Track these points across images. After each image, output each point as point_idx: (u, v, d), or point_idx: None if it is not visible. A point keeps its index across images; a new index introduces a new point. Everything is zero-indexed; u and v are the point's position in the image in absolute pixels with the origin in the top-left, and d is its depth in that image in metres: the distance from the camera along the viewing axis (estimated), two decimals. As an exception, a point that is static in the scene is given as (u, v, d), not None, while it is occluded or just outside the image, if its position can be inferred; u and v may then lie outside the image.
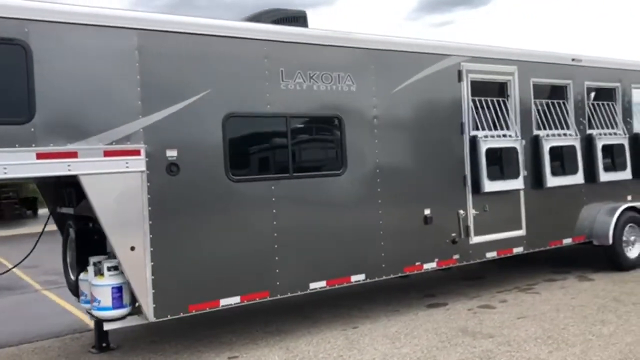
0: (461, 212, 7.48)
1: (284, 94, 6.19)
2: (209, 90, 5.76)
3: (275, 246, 6.10)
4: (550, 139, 8.32)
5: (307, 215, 6.32)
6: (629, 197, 9.40)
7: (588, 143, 8.89)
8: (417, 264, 7.12)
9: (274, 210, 6.10)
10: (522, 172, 7.97)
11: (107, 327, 5.63)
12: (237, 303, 5.90)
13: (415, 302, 7.67)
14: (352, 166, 6.63)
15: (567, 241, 8.62)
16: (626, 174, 9.22)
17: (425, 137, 7.24)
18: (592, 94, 9.26)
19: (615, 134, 9.22)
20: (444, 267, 7.40)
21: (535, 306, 7.12)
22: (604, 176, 8.92)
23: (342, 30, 6.84)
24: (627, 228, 8.99)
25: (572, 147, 8.56)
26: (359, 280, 6.67)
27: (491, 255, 7.77)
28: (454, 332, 6.20)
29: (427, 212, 7.19)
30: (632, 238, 9.06)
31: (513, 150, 7.87)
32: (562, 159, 8.49)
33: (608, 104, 9.30)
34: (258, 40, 6.08)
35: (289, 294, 6.22)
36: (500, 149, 7.76)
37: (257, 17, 6.95)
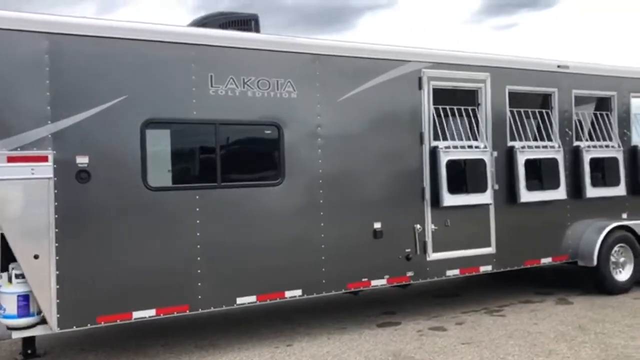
0: (418, 226, 7.06)
1: (213, 100, 5.96)
2: (126, 96, 5.59)
3: (198, 258, 5.87)
4: (527, 151, 7.78)
5: (237, 226, 6.06)
6: (624, 215, 8.72)
7: (574, 156, 8.29)
8: (364, 280, 6.75)
9: (198, 221, 5.88)
10: (491, 186, 7.48)
11: (14, 335, 5.53)
12: (152, 316, 5.70)
13: (369, 319, 7.30)
14: (290, 176, 6.34)
15: (547, 260, 8.04)
16: (619, 190, 8.54)
17: (378, 147, 6.86)
18: (590, 104, 8.65)
19: (608, 146, 8.55)
20: (395, 284, 7.00)
21: (490, 331, 6.63)
22: (592, 192, 8.28)
23: (285, 35, 6.58)
24: (616, 248, 8.33)
25: (553, 160, 7.98)
26: (294, 296, 6.37)
27: (453, 273, 7.31)
28: (385, 356, 5.82)
29: (377, 225, 6.81)
30: (622, 259, 8.39)
31: (479, 162, 7.39)
32: (541, 173, 7.93)
33: (602, 115, 8.65)
34: (184, 45, 5.87)
35: (213, 309, 5.98)
36: (464, 161, 7.30)
37: (203, 21, 6.77)
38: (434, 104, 7.24)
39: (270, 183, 6.26)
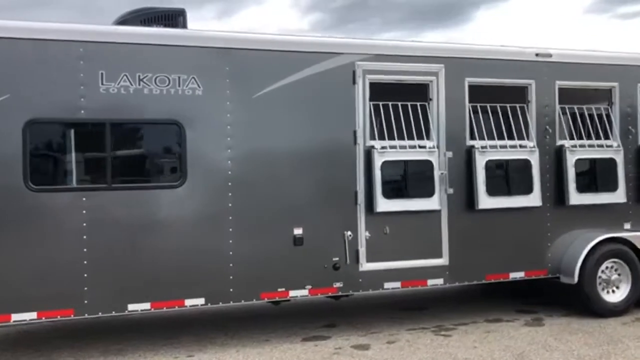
0: (348, 233, 6.46)
1: (104, 99, 5.74)
2: (7, 96, 5.51)
3: (85, 262, 5.69)
4: (489, 152, 6.90)
5: (130, 230, 5.82)
6: (627, 226, 7.54)
7: (557, 157, 7.26)
8: (281, 290, 6.27)
9: (85, 224, 5.69)
10: (441, 190, 6.71)
11: None
12: (33, 319, 5.60)
13: (301, 331, 6.78)
14: (193, 177, 5.99)
15: (518, 275, 7.11)
16: (617, 197, 7.38)
17: (302, 147, 6.35)
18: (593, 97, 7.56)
19: (605, 145, 7.41)
20: (320, 295, 6.46)
21: (415, 353, 5.92)
22: (577, 198, 7.21)
23: (188, 28, 6.24)
24: (607, 264, 7.21)
25: (525, 162, 7.03)
26: (196, 305, 6.03)
27: (392, 286, 6.64)
28: (269, 375, 5.35)
29: (297, 232, 6.30)
30: (614, 277, 7.24)
31: (425, 163, 6.64)
32: (508, 176, 7.02)
33: (599, 109, 7.52)
34: (71, 42, 5.70)
35: (101, 314, 5.79)
36: (404, 163, 6.59)
37: (126, 18, 6.58)
38: (374, 99, 6.61)
39: (169, 185, 5.96)
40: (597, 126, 7.47)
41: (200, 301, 6.02)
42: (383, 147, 6.52)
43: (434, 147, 6.69)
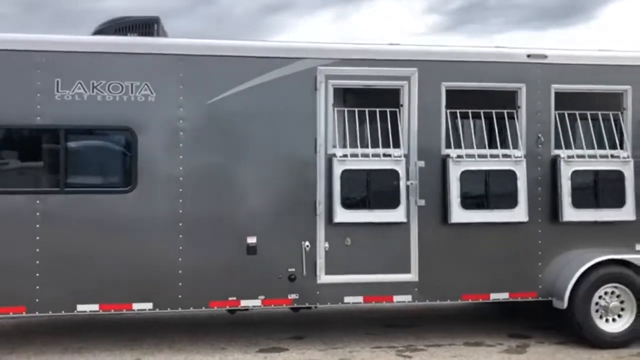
0: (306, 244, 6.25)
1: (59, 105, 5.96)
2: (-31, 103, 5.88)
3: (37, 262, 5.92)
4: (466, 162, 6.39)
5: (81, 232, 5.98)
6: (639, 247, 6.70)
7: (551, 168, 6.59)
8: (232, 299, 6.18)
9: (38, 225, 5.93)
10: (411, 202, 6.32)
11: None
12: (-14, 314, 5.92)
13: (263, 342, 6.62)
14: (144, 183, 6.07)
15: (501, 296, 6.53)
16: (623, 214, 6.57)
17: (258, 154, 6.23)
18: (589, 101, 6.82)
19: (610, 156, 6.63)
20: (274, 306, 6.29)
21: (356, 373, 5.62)
22: (573, 214, 6.50)
23: (141, 37, 6.32)
24: (604, 289, 6.44)
25: (508, 173, 6.44)
26: (143, 309, 6.09)
27: (353, 300, 6.33)
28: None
29: (250, 240, 6.19)
30: (614, 304, 6.43)
31: (390, 173, 6.28)
32: (487, 188, 6.47)
33: (606, 115, 6.74)
34: (27, 52, 5.97)
35: (51, 313, 6.01)
36: (367, 172, 6.27)
37: (101, 28, 6.81)
38: (341, 105, 6.38)
39: (120, 190, 6.07)
40: (602, 134, 6.69)
41: (148, 306, 6.07)
42: (344, 155, 6.24)
43: (400, 156, 6.30)
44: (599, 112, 6.73)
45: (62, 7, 29.44)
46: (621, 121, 6.74)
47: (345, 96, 6.86)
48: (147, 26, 6.80)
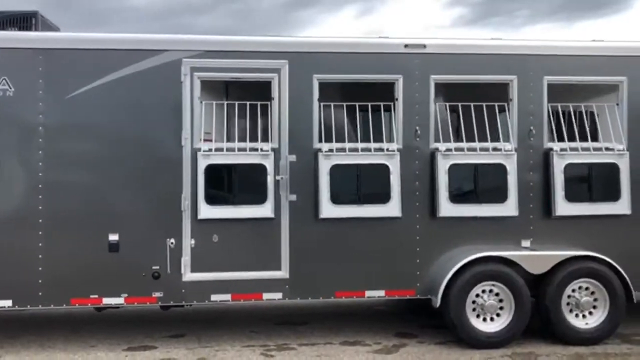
0: (170, 241, 6.12)
1: None
2: None
3: None
4: (337, 155, 6.21)
5: (-63, 229, 5.92)
6: (526, 243, 6.46)
7: (431, 161, 6.39)
8: (93, 296, 6.07)
9: None
10: (279, 197, 6.16)
11: None
12: None
13: (136, 340, 6.50)
14: (3, 179, 5.95)
15: (376, 294, 6.34)
16: (505, 209, 6.34)
17: (120, 149, 6.10)
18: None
19: (494, 149, 6.39)
20: (137, 304, 6.17)
21: (205, 373, 5.48)
22: (449, 209, 6.30)
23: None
24: (482, 287, 6.22)
25: (382, 167, 6.24)
26: (4, 307, 6.00)
27: (221, 298, 6.19)
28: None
29: (112, 237, 6.07)
30: (490, 302, 6.21)
31: (257, 167, 6.12)
32: (359, 182, 6.28)
33: (493, 107, 6.50)
34: None
35: None
36: (233, 166, 6.12)
37: (-22, 21, 6.72)
38: (219, 99, 6.25)
39: (-22, 186, 5.98)
40: (486, 127, 6.46)
41: (7, 303, 5.98)
42: (209, 150, 6.09)
43: (269, 150, 6.14)
44: (484, 104, 6.51)
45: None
46: (507, 112, 6.51)
47: (228, 90, 6.78)
48: (25, 20, 6.68)
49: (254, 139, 6.16)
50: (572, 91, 6.68)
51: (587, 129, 6.53)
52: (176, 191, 6.12)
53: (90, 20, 30.27)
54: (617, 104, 6.57)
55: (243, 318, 7.50)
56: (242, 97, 6.41)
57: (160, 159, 6.14)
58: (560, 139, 6.55)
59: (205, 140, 6.24)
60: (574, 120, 6.62)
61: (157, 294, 6.12)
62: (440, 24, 35.66)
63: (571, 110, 6.60)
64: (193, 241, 6.14)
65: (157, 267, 6.10)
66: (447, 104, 6.53)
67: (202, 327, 7.02)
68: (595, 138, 6.63)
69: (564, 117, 6.72)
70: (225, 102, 6.27)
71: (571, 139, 6.50)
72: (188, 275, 6.13)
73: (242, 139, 6.29)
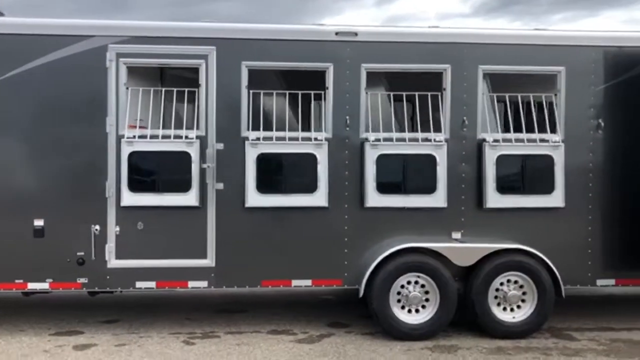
0: (95, 227, 6.12)
1: None
2: None
3: None
4: (264, 144, 6.16)
5: None
6: (456, 235, 6.40)
7: (360, 152, 6.31)
8: (18, 281, 6.11)
9: None
10: (205, 186, 6.13)
11: None
12: None
13: (68, 326, 6.56)
14: None
15: (302, 283, 6.32)
16: (434, 200, 6.27)
17: (45, 134, 6.09)
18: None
19: (424, 140, 6.30)
20: (62, 289, 6.20)
21: (109, 356, 5.50)
22: (377, 200, 6.24)
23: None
24: (407, 278, 6.17)
25: (309, 157, 6.19)
26: (-63, 291, 6.07)
27: (146, 285, 6.20)
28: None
29: (38, 223, 6.08)
30: (414, 294, 6.16)
31: (182, 155, 6.09)
32: (286, 171, 6.26)
33: (425, 97, 6.40)
34: None
35: None
36: (156, 154, 6.11)
37: None
38: (147, 85, 6.24)
39: None
40: (416, 117, 6.39)
41: (-58, 288, 6.05)
42: (132, 137, 6.07)
43: (194, 138, 6.10)
44: (416, 93, 6.42)
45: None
46: (439, 102, 6.40)
47: (164, 76, 6.75)
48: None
49: (183, 126, 6.11)
50: (523, 82, 6.57)
51: (522, 120, 6.41)
52: (101, 178, 6.11)
53: (115, 5, 30.39)
54: (556, 94, 6.44)
55: (184, 305, 7.52)
56: (179, 83, 6.38)
57: (85, 145, 6.12)
58: (507, 129, 6.49)
59: (141, 127, 6.24)
60: (522, 111, 6.48)
61: (82, 280, 6.15)
62: (461, 12, 35.10)
63: (519, 100, 6.46)
64: (118, 228, 6.14)
65: (82, 254, 6.12)
66: (387, 93, 6.44)
67: (139, 313, 7.05)
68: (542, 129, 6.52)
69: (511, 108, 6.64)
70: (153, 89, 6.22)
71: (518, 129, 6.39)
72: (113, 262, 6.14)
73: (178, 126, 6.26)
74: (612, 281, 6.50)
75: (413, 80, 6.47)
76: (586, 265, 6.45)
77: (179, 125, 6.21)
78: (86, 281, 6.15)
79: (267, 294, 7.93)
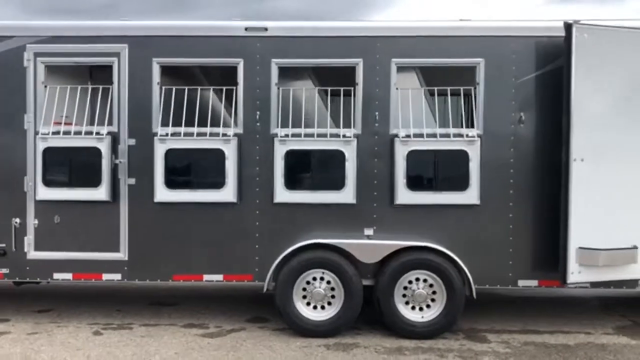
0: (16, 220, 6.39)
1: None
2: None
3: None
4: (172, 140, 6.23)
5: None
6: (369, 232, 6.29)
7: (271, 147, 6.29)
8: (-54, 271, 6.46)
9: None
10: (116, 181, 6.29)
11: None
12: None
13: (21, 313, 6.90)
14: None
15: (214, 278, 6.36)
16: (342, 196, 6.19)
17: (-32, 131, 6.41)
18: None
19: (331, 135, 6.23)
20: (-14, 279, 6.50)
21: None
22: (285, 196, 6.21)
23: None
24: (309, 274, 6.13)
25: (217, 152, 6.22)
26: None
27: (62, 277, 6.42)
28: None
29: (-38, 216, 6.42)
30: (317, 291, 6.11)
31: (92, 151, 6.25)
32: (193, 167, 6.34)
33: (338, 91, 6.33)
34: None
35: None
36: (67, 150, 6.31)
37: None
38: (75, 83, 6.45)
39: None
40: (327, 113, 6.31)
41: None
42: (46, 133, 6.29)
43: (104, 134, 6.26)
44: (337, 88, 6.34)
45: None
46: (352, 97, 6.31)
47: (92, 74, 6.94)
48: None
49: (85, 123, 6.28)
50: (448, 75, 6.39)
51: (435, 114, 6.22)
52: (20, 172, 6.36)
53: (175, 5, 31.20)
54: (475, 87, 6.23)
55: (124, 296, 7.72)
56: (105, 81, 6.54)
57: (6, 141, 6.39)
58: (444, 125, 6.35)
59: (67, 123, 6.46)
60: (436, 105, 6.32)
61: (3, 270, 6.43)
62: (535, 1, 33.69)
63: (448, 94, 6.30)
64: (36, 221, 6.38)
65: (4, 245, 6.40)
66: (292, 88, 6.38)
67: (77, 303, 7.29)
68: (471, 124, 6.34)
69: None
70: (70, 87, 6.40)
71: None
72: (32, 254, 6.39)
73: (102, 122, 6.44)
74: (535, 282, 6.23)
75: (339, 75, 6.40)
76: (507, 265, 6.21)
77: (102, 123, 6.37)
78: (7, 271, 6.42)
79: (216, 288, 8.00)
